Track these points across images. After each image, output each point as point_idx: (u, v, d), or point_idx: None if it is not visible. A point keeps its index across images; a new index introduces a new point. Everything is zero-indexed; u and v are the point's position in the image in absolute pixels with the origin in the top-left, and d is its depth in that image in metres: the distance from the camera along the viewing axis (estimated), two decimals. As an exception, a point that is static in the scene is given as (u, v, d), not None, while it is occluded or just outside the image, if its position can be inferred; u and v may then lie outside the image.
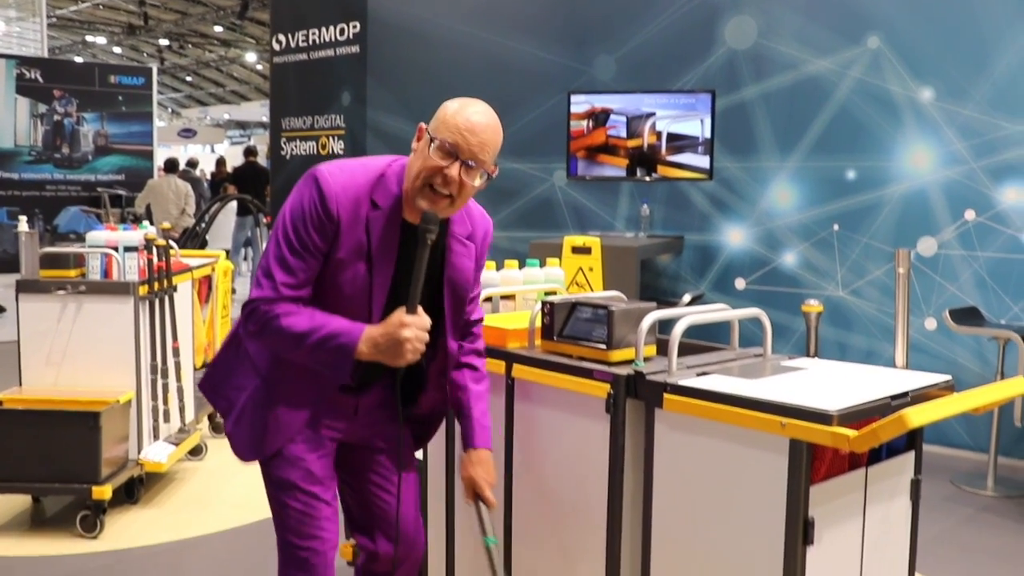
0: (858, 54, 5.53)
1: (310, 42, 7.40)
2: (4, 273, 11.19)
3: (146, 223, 4.78)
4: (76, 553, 3.84)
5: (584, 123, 6.19)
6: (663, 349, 2.43)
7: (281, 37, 7.64)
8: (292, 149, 7.55)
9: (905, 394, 2.16)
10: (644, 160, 6.05)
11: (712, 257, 6.14)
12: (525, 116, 6.46)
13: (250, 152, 12.57)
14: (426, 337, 2.09)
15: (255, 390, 2.24)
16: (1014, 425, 4.78)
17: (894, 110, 5.44)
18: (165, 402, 4.47)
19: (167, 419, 4.50)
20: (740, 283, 6.04)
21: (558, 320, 2.55)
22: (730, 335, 2.68)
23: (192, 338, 4.95)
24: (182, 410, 4.73)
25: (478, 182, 2.12)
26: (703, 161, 5.88)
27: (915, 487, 2.36)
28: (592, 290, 5.05)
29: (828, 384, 2.24)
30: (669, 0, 6.14)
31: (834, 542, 2.11)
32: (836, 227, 5.66)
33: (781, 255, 5.90)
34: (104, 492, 3.95)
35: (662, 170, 6.03)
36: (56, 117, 14.17)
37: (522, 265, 3.18)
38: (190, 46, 34.56)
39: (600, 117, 6.13)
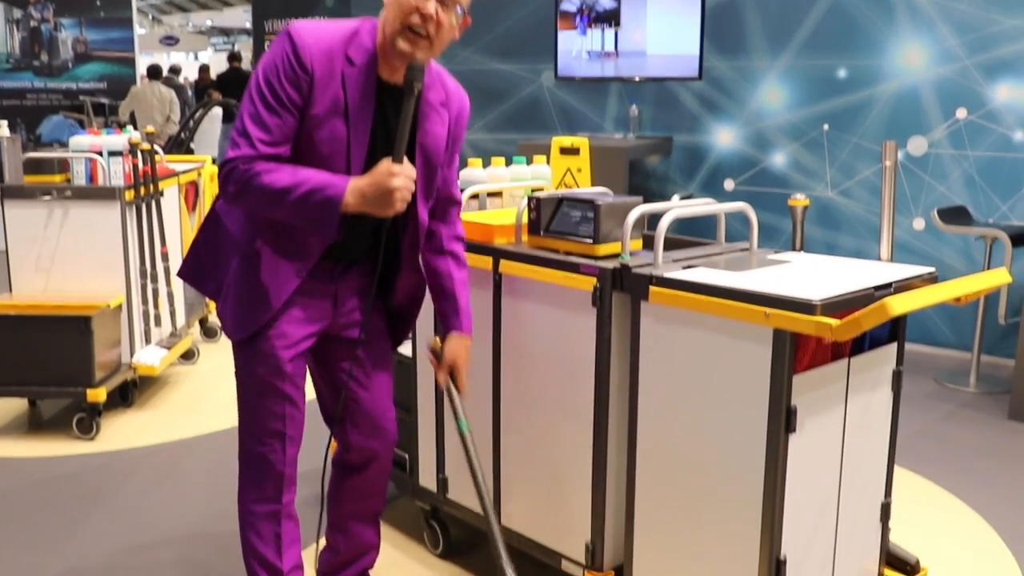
0: (852, -52, 5.42)
1: (292, -59, 7.21)
2: (-12, 183, 11.07)
3: (129, 127, 4.71)
4: (74, 454, 3.90)
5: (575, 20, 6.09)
6: (649, 244, 2.44)
7: (261, -64, 7.44)
8: (276, 52, 7.42)
9: (888, 285, 2.18)
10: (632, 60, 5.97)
11: (701, 158, 6.12)
12: (512, 15, 6.35)
13: (234, 58, 12.35)
14: (413, 187, 2.06)
15: (237, 266, 2.22)
16: (998, 323, 4.84)
17: (888, 6, 5.35)
18: (156, 306, 4.49)
19: (158, 323, 4.53)
20: (729, 184, 6.03)
21: (545, 215, 2.55)
22: (716, 231, 2.69)
23: (181, 243, 4.94)
24: (173, 315, 4.76)
25: (454, 19, 2.09)
26: (692, 61, 5.80)
27: (897, 378, 2.40)
28: (581, 192, 5.03)
29: (812, 276, 2.25)
30: None
31: (816, 431, 2.16)
32: (826, 127, 5.63)
33: (770, 156, 5.87)
34: (98, 395, 3.99)
35: (651, 70, 5.95)
36: (32, 23, 13.83)
37: (509, 163, 3.16)
38: (169, -51, 33.57)
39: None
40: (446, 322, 2.40)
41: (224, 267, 2.26)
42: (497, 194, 3.04)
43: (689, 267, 2.32)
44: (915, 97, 5.32)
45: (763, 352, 2.05)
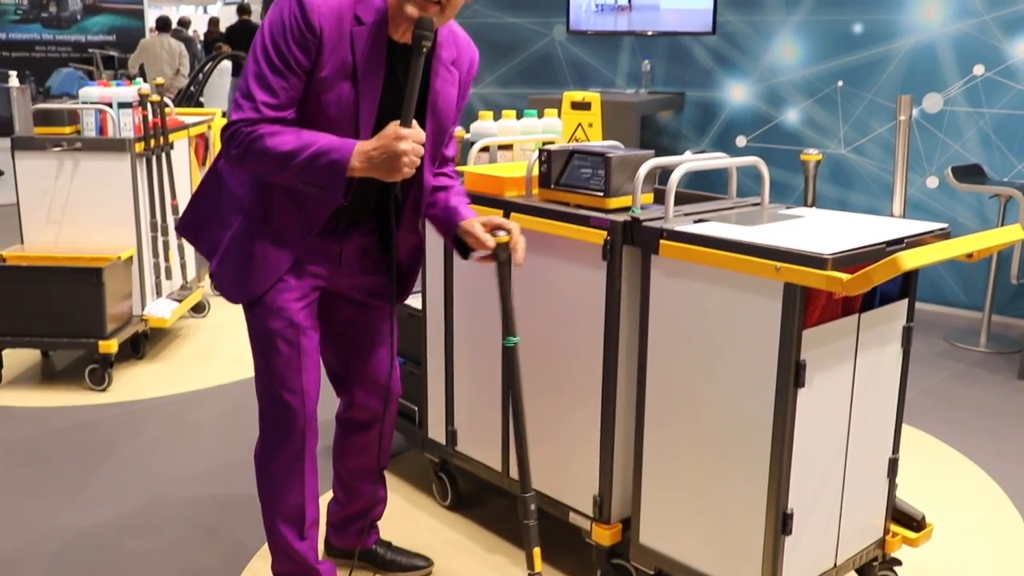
0: (870, -100, 5.32)
1: None
2: (-1, 136, 11.08)
3: (140, 80, 4.69)
4: (86, 404, 3.94)
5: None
6: (660, 199, 2.43)
7: None
8: (286, 5, 7.35)
9: (900, 240, 2.17)
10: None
11: (713, 114, 6.06)
12: (525, -32, 6.27)
13: (243, 10, 12.24)
14: (422, 151, 2.01)
15: (239, 227, 2.17)
16: (1010, 283, 4.82)
17: (905, -40, 5.27)
18: (166, 259, 4.50)
19: (169, 276, 4.54)
20: (741, 140, 5.98)
21: (555, 168, 2.54)
22: (728, 186, 2.68)
23: (191, 196, 4.93)
24: (183, 267, 4.77)
25: None
26: (706, 15, 5.73)
27: (907, 334, 2.39)
28: (592, 147, 5.00)
29: (824, 231, 2.24)
30: None
31: (825, 386, 2.16)
32: (840, 83, 5.57)
33: (783, 112, 5.82)
34: (110, 346, 4.02)
35: (664, 24, 5.88)
36: (41, -26, 13.74)
37: (520, 116, 3.14)
38: (178, -100, 33.17)
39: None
40: (454, 219, 2.25)
41: (222, 227, 2.22)
42: (508, 147, 3.02)
43: (700, 221, 2.31)
44: (932, 53, 5.25)
45: (773, 306, 2.04)
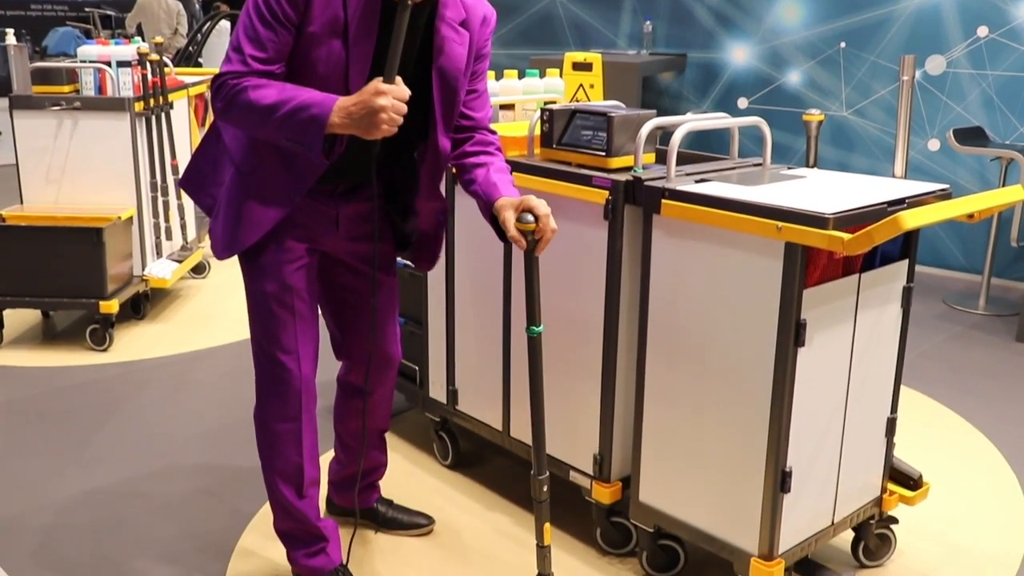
0: None
1: None
2: (-4, 96, 11.00)
3: (138, 39, 4.66)
4: (87, 364, 3.95)
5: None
6: (662, 159, 2.43)
7: None
8: (284, -37, 7.28)
9: (902, 200, 2.17)
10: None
11: (715, 75, 6.03)
12: (526, -73, 6.21)
13: (241, -30, 12.12)
14: (403, 108, 1.92)
15: (230, 182, 2.17)
16: (1010, 246, 4.82)
17: (911, -81, 5.22)
18: (166, 220, 4.50)
19: (169, 236, 4.54)
20: (743, 102, 5.95)
21: (557, 128, 2.53)
22: (730, 147, 2.67)
23: (190, 156, 4.92)
24: (184, 228, 4.77)
25: None
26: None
27: (907, 295, 2.40)
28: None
29: (825, 191, 2.24)
30: None
31: (825, 345, 2.17)
32: (843, 45, 5.53)
33: (785, 74, 5.78)
34: (111, 306, 4.02)
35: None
36: (37, -68, 13.58)
37: (521, 76, 3.12)
38: None
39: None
40: (489, 197, 2.13)
41: (218, 183, 2.21)
42: (510, 107, 3.01)
43: (702, 181, 2.31)
44: (936, 14, 5.21)
45: (774, 266, 2.05)
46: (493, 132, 2.29)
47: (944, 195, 2.30)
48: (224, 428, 3.37)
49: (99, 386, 3.74)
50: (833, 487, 2.31)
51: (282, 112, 1.93)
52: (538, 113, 2.57)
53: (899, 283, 2.38)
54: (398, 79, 1.93)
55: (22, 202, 4.29)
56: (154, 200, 4.40)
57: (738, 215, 2.09)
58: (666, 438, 2.34)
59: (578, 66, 5.15)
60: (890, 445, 2.48)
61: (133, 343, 4.20)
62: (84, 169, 4.24)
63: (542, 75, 3.15)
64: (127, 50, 4.33)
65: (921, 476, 2.55)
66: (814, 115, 2.55)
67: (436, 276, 2.93)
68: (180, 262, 4.55)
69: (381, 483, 2.74)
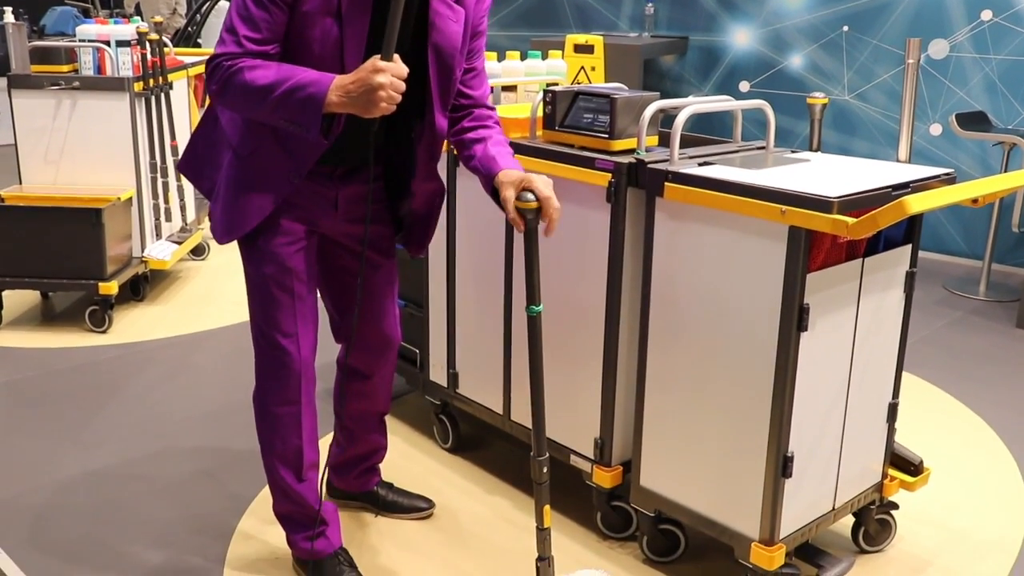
0: None
1: None
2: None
3: (137, 18, 4.63)
4: (86, 346, 3.95)
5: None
6: (665, 141, 2.41)
7: None
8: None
9: (906, 184, 2.16)
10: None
11: (717, 59, 6.00)
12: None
13: (240, -51, 12.03)
14: (402, 86, 1.89)
15: (228, 165, 2.14)
16: (1011, 232, 4.81)
17: (915, -99, 5.18)
18: (166, 201, 4.48)
19: (168, 218, 4.52)
20: (744, 86, 5.93)
21: (560, 110, 2.51)
22: (733, 130, 2.65)
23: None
24: (183, 209, 4.75)
25: None
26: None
27: (909, 280, 2.39)
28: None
29: (829, 175, 2.23)
30: None
31: (827, 330, 2.16)
32: (846, 28, 5.50)
33: (788, 57, 5.75)
34: (110, 288, 4.01)
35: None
36: (35, -90, 13.46)
37: (523, 57, 3.10)
38: None
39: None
40: (488, 170, 2.11)
41: (217, 166, 2.19)
42: (512, 88, 2.99)
43: (705, 164, 2.29)
44: (939, -2, 5.18)
45: (778, 249, 2.04)
46: (492, 108, 2.27)
47: (948, 179, 2.29)
48: (224, 410, 3.37)
49: (98, 368, 3.73)
50: (834, 472, 2.31)
51: (278, 92, 1.91)
52: (540, 95, 2.56)
53: (902, 268, 2.37)
54: (396, 56, 1.90)
55: (21, 182, 4.27)
56: (153, 181, 4.39)
57: (742, 198, 2.07)
58: (667, 422, 2.34)
59: (580, 48, 5.13)
60: (891, 431, 2.48)
61: (132, 325, 4.19)
62: (83, 149, 4.22)
63: (544, 57, 3.13)
64: (126, 29, 4.30)
65: (922, 462, 2.55)
66: (818, 98, 2.54)
67: (437, 258, 2.91)
68: (179, 243, 4.54)
69: (381, 466, 2.74)
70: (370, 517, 2.68)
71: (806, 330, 2.07)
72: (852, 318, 2.24)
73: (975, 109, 5.02)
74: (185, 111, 4.84)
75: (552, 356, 2.59)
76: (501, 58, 3.09)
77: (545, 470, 2.11)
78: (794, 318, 2.05)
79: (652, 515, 2.41)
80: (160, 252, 4.36)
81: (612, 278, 2.37)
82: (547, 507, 2.13)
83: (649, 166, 2.25)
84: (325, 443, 2.64)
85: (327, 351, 2.52)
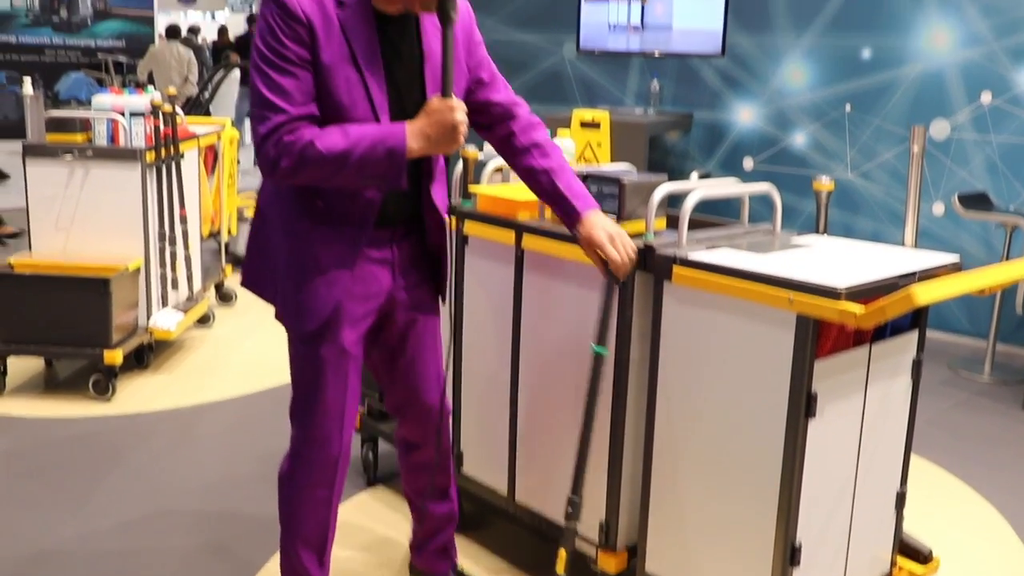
0: (882, -73, 5.34)
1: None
2: (4, 139, 11.10)
3: (151, 88, 4.70)
4: (89, 415, 3.93)
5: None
6: (673, 223, 2.43)
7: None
8: (296, 16, 7.38)
9: (913, 273, 2.17)
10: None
11: (721, 135, 6.08)
12: (536, -14, 6.30)
13: (252, 20, 12.29)
14: (466, 120, 2.03)
15: (288, 253, 2.15)
16: (1015, 312, 4.82)
17: (916, -13, 5.29)
18: (173, 270, 4.50)
19: (175, 287, 4.54)
20: (748, 163, 5.99)
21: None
22: (739, 211, 2.68)
23: (199, 207, 4.94)
24: (190, 278, 4.77)
25: None
26: (716, 37, 5.74)
27: (916, 367, 2.39)
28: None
29: (837, 261, 2.24)
30: None
31: (835, 417, 2.16)
32: (848, 107, 5.58)
33: (791, 135, 5.83)
34: (115, 357, 4.01)
35: (674, 45, 5.90)
36: (53, -21, 13.79)
37: (533, 138, 3.13)
38: (189, -93, 33.35)
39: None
40: (568, 217, 2.24)
41: (276, 269, 2.19)
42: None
43: (713, 248, 2.31)
44: (940, 80, 5.26)
45: (786, 337, 2.04)
46: (521, 105, 2.33)
47: (955, 267, 2.31)
48: (226, 483, 3.35)
49: (100, 438, 3.72)
50: (843, 561, 2.29)
51: (358, 154, 1.97)
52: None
53: (909, 354, 2.37)
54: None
55: (30, 249, 4.30)
56: (162, 250, 4.41)
57: (750, 285, 2.09)
58: (674, 507, 2.32)
59: (586, 124, 5.18)
60: (899, 519, 2.46)
61: (136, 394, 4.18)
62: (94, 217, 4.26)
63: (553, 136, 3.16)
64: (140, 100, 4.37)
65: (931, 551, 2.52)
66: (824, 183, 2.57)
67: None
68: (185, 312, 4.55)
69: (456, 552, 2.66)
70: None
71: (814, 417, 2.06)
72: (860, 405, 2.24)
73: (977, 190, 5.07)
74: (195, 181, 4.89)
75: (558, 437, 2.58)
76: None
77: (572, 510, 2.11)
78: (802, 405, 2.05)
79: (658, 602, 2.38)
80: (166, 322, 4.36)
81: (619, 361, 2.37)
82: (563, 551, 2.11)
83: (658, 251, 2.27)
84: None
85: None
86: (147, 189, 4.26)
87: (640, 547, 2.40)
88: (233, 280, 5.57)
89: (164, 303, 4.49)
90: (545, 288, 2.56)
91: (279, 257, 2.18)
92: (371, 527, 3.05)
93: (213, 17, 33.30)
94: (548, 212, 2.60)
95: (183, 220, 4.57)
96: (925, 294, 1.89)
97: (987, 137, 5.14)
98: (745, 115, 5.98)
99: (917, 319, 2.37)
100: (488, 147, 3.06)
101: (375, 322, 2.26)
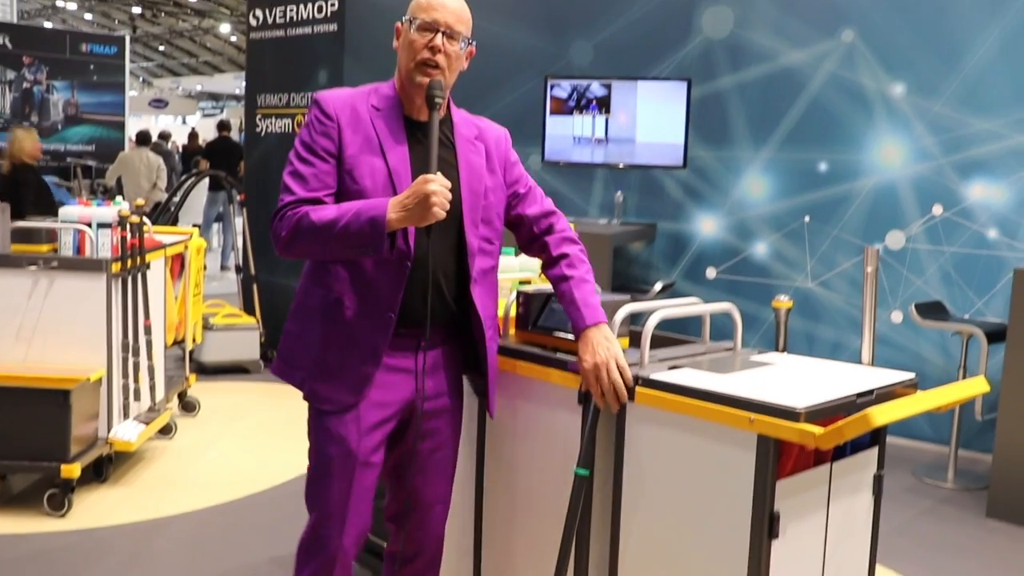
0: (832, 47, 5.58)
1: (287, 19, 7.33)
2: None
3: (119, 198, 4.74)
4: (43, 531, 3.83)
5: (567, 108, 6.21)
6: (636, 340, 2.47)
7: (259, 12, 7.56)
8: (267, 126, 7.50)
9: (870, 392, 2.21)
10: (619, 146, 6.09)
11: (684, 246, 6.19)
12: (502, 99, 6.47)
13: (223, 127, 12.47)
14: (449, 195, 2.12)
15: (319, 340, 2.26)
16: (975, 419, 4.88)
17: (866, 104, 5.50)
18: (136, 380, 4.45)
19: (137, 397, 4.49)
20: (711, 272, 6.10)
21: (533, 310, 2.58)
22: (702, 331, 2.72)
23: (164, 316, 4.93)
24: (152, 389, 4.71)
25: (460, 49, 2.28)
26: (677, 149, 5.91)
27: (878, 482, 2.41)
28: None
29: (796, 380, 2.28)
30: (648, -12, 6.16)
31: (798, 536, 2.16)
32: (807, 219, 5.73)
33: (752, 245, 5.95)
34: (73, 471, 3.94)
35: (638, 158, 6.06)
36: (25, 84, 13.93)
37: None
38: (163, 15, 34.10)
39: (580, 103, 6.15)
40: (573, 327, 2.34)
41: (303, 353, 2.30)
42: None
43: (674, 367, 2.34)
44: (893, 192, 5.43)
45: (747, 457, 2.06)
46: (558, 218, 2.49)
47: (911, 384, 2.35)
48: (182, 603, 3.26)
49: (53, 556, 3.61)
50: None
51: (342, 224, 2.12)
52: (513, 295, 2.62)
53: (870, 471, 2.40)
54: (439, 173, 2.13)
55: (-10, 359, 4.24)
56: (125, 360, 4.38)
57: (711, 405, 2.11)
58: (640, 629, 2.29)
59: (551, 235, 5.27)
60: (866, 636, 2.44)
61: (93, 508, 4.08)
62: (56, 327, 4.22)
63: (517, 253, 3.22)
64: (108, 212, 4.39)
65: (899, 670, 2.50)
66: (783, 302, 2.63)
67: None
68: (147, 423, 4.49)
69: None
70: None
71: (777, 537, 2.07)
72: (823, 523, 2.25)
73: (933, 298, 5.18)
74: (160, 290, 4.89)
75: (523, 556, 2.56)
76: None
77: None
78: (765, 526, 2.05)
79: None
80: (127, 433, 4.30)
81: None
82: None
83: (620, 371, 2.29)
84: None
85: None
86: (112, 299, 4.25)
87: (606, 671, 2.36)
88: (196, 389, 5.52)
89: (126, 414, 4.43)
90: (510, 406, 2.57)
91: (305, 344, 2.30)
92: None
93: (184, 121, 33.76)
94: (512, 329, 2.64)
95: (147, 330, 4.55)
96: (882, 415, 1.93)
97: (940, 247, 5.28)
98: (707, 226, 6.12)
99: (877, 436, 2.41)
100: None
101: (395, 428, 2.32)
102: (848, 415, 1.98)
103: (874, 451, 2.40)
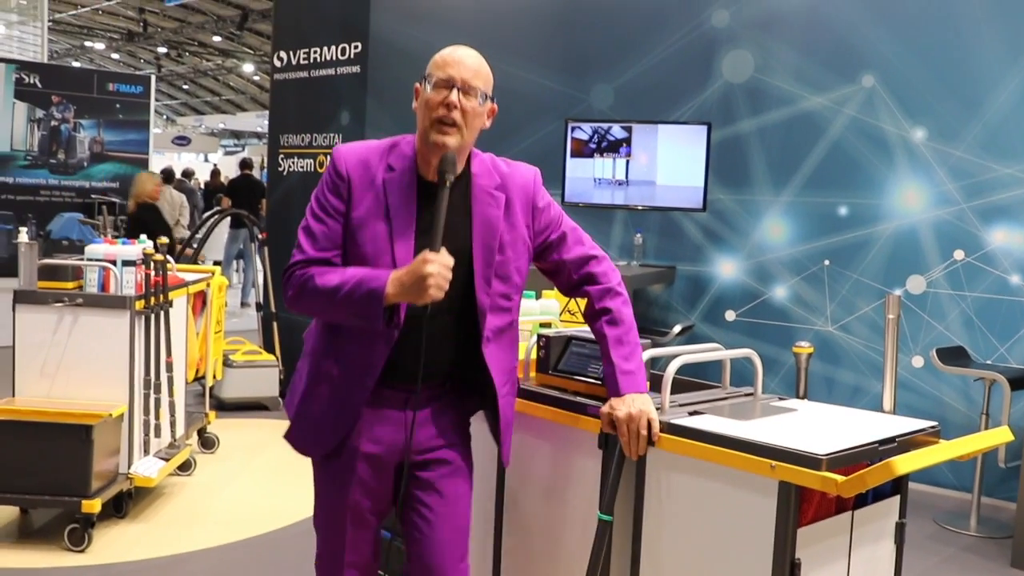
0: (853, 92, 5.61)
1: (311, 60, 7.44)
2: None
3: (144, 237, 4.80)
4: (63, 566, 3.85)
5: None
6: (656, 385, 2.47)
7: (283, 54, 7.68)
8: (290, 166, 7.59)
9: (892, 439, 2.21)
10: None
11: (703, 288, 6.20)
12: (523, 142, 6.52)
13: (246, 165, 12.61)
14: (449, 274, 2.09)
15: (306, 385, 2.31)
16: (998, 466, 4.83)
17: (887, 149, 5.52)
18: (157, 417, 4.48)
19: (158, 434, 4.52)
20: (730, 315, 6.09)
21: (553, 354, 2.59)
22: (722, 376, 2.72)
23: (185, 353, 4.97)
24: (173, 425, 4.75)
25: (478, 105, 2.22)
26: (697, 192, 5.93)
27: (900, 530, 2.40)
28: (584, 318, 5.07)
29: (817, 427, 2.28)
30: (668, 32, 6.22)
31: (819, 583, 2.15)
32: (827, 263, 5.73)
33: (772, 288, 5.95)
34: (93, 506, 3.96)
35: (658, 200, 6.08)
36: (53, 123, 14.13)
37: (518, 296, 3.21)
38: (188, 54, 34.65)
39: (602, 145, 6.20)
40: (607, 388, 2.32)
41: (292, 397, 2.37)
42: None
43: (695, 413, 2.35)
44: (914, 237, 5.43)
45: (768, 504, 2.06)
46: (600, 262, 2.41)
47: (934, 432, 2.34)
48: (200, 642, 3.26)
49: (73, 591, 3.63)
50: None
51: (344, 292, 2.13)
52: (534, 338, 2.64)
53: (892, 519, 2.38)
54: (443, 249, 2.09)
55: (14, 394, 4.28)
56: (146, 397, 4.41)
57: (732, 452, 2.11)
58: (659, 677, 2.27)
59: (571, 276, 5.29)
60: None
61: (112, 543, 4.10)
62: (80, 364, 4.27)
63: (538, 296, 3.24)
64: (133, 250, 4.44)
65: None
66: (804, 347, 2.63)
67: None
68: (167, 460, 4.51)
69: None
70: None
71: (798, 585, 2.06)
72: (844, 571, 2.23)
73: (955, 343, 5.16)
74: (183, 327, 4.93)
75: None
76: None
77: None
78: (786, 573, 2.04)
79: None
80: (147, 469, 4.32)
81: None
82: None
83: (641, 415, 2.30)
84: None
85: None
86: (135, 336, 4.29)
87: None
88: (216, 426, 5.55)
89: (146, 450, 4.46)
90: (530, 449, 2.57)
91: (295, 388, 2.36)
92: None
93: (206, 158, 34.15)
94: (533, 372, 2.65)
95: (169, 367, 4.58)
96: (904, 464, 1.93)
97: (962, 292, 5.27)
98: (727, 268, 6.12)
99: (898, 484, 2.39)
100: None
101: (394, 484, 2.31)
102: (870, 463, 1.97)
103: (896, 499, 2.39)
